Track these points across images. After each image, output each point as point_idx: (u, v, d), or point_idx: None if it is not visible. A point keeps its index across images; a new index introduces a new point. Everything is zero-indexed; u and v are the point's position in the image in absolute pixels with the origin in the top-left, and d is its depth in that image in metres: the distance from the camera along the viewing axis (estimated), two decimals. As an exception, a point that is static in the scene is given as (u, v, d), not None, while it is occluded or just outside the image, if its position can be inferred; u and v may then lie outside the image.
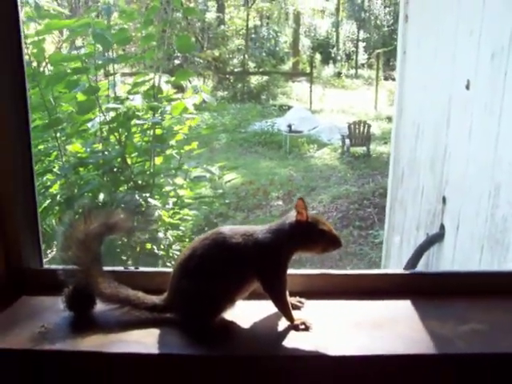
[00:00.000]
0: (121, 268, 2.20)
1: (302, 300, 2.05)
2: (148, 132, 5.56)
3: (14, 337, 1.82)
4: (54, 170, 5.42)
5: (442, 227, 5.76)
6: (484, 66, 4.71)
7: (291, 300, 1.96)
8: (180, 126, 5.92)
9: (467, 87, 5.04)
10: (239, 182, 14.85)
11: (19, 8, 2.03)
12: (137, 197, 5.12)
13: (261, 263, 1.87)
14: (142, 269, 2.18)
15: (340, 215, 13.51)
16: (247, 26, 32.97)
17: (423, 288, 2.15)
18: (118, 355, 1.76)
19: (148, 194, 5.35)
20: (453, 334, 1.87)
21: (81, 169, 5.37)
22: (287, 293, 1.91)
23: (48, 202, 5.32)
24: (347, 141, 18.83)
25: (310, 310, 2.01)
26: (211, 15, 31.15)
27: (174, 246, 5.70)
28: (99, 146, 5.51)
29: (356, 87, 32.54)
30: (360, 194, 14.54)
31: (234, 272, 1.85)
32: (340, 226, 12.71)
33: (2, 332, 1.85)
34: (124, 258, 5.27)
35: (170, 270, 1.97)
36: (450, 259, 5.49)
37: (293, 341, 1.82)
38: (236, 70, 30.86)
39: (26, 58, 2.11)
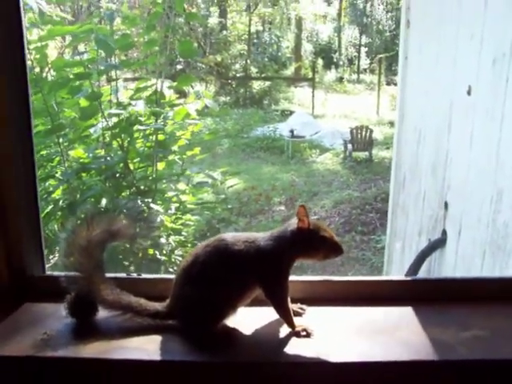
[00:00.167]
0: (123, 275, 2.20)
1: (304, 306, 2.05)
2: (150, 137, 5.57)
3: (16, 343, 1.82)
4: (57, 175, 5.43)
5: (444, 233, 5.76)
6: (485, 71, 4.71)
7: (293, 306, 1.96)
8: (182, 131, 5.93)
9: (468, 93, 5.04)
10: (241, 188, 14.85)
11: (22, 14, 2.04)
12: (139, 202, 5.13)
13: (263, 270, 1.87)
14: (144, 275, 2.18)
15: (342, 220, 13.51)
16: (249, 31, 33.00)
17: (424, 294, 2.15)
18: (119, 362, 1.76)
19: (150, 200, 5.36)
20: (454, 341, 1.87)
21: (83, 174, 5.38)
22: (289, 299, 1.92)
23: (50, 207, 5.33)
24: (349, 146, 18.83)
25: (311, 317, 2.01)
26: (213, 20, 31.19)
27: (176, 252, 5.71)
28: (101, 152, 5.52)
29: (358, 92, 32.58)
30: (362, 199, 14.54)
31: (236, 279, 1.85)
32: (342, 231, 12.71)
33: (5, 338, 1.85)
34: (126, 263, 5.28)
35: (173, 276, 1.97)
36: (451, 265, 5.49)
37: (294, 347, 1.82)
38: (238, 75, 30.91)
39: (28, 63, 2.11)
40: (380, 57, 31.91)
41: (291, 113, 25.02)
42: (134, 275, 2.18)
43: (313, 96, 27.59)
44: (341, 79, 35.50)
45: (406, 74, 7.41)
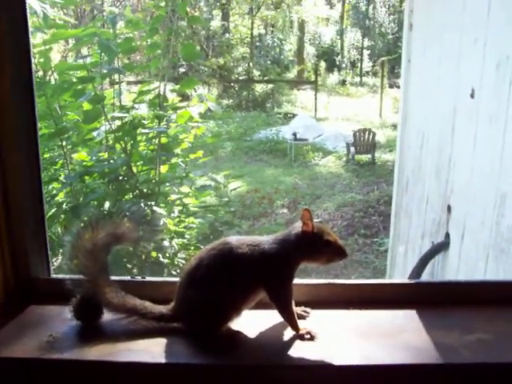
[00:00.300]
0: (128, 278, 2.20)
1: (308, 310, 2.05)
2: (153, 140, 5.58)
3: (22, 345, 1.83)
4: (60, 178, 5.44)
5: (447, 236, 5.76)
6: (489, 74, 4.71)
7: (296, 310, 1.97)
8: (185, 134, 5.94)
9: (472, 96, 5.04)
10: (244, 190, 14.87)
11: (28, 18, 2.05)
12: (143, 206, 5.13)
13: (267, 273, 1.88)
14: (148, 278, 2.19)
15: (345, 223, 13.51)
16: (252, 34, 32.99)
17: (428, 297, 2.15)
18: (125, 364, 1.77)
19: (153, 203, 5.36)
20: (458, 344, 1.87)
21: (86, 177, 5.39)
22: (293, 302, 1.92)
23: (53, 210, 5.33)
24: (352, 149, 18.83)
25: (315, 320, 2.01)
26: (216, 23, 31.21)
27: (179, 255, 5.71)
28: (105, 155, 5.53)
29: (361, 95, 32.55)
30: (365, 202, 14.53)
31: (240, 282, 1.86)
32: (345, 234, 12.71)
33: (11, 341, 1.86)
34: (129, 266, 5.29)
35: (177, 279, 1.98)
36: (455, 268, 5.48)
37: (298, 350, 1.82)
38: (241, 78, 30.92)
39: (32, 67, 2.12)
40: (383, 59, 31.89)
41: (294, 116, 25.00)
42: (139, 278, 2.19)
43: (315, 99, 27.59)
44: (343, 82, 35.48)
45: (408, 77, 7.42)
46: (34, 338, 1.88)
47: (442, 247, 5.85)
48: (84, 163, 5.44)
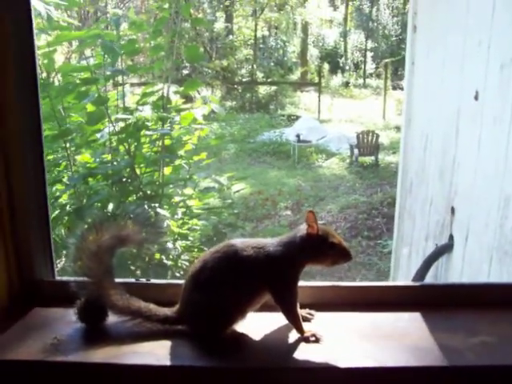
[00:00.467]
0: (132, 280, 2.20)
1: (312, 312, 2.05)
2: (157, 142, 5.58)
3: (26, 348, 1.83)
4: (64, 180, 5.44)
5: (451, 238, 5.75)
6: (493, 76, 4.71)
7: (301, 312, 1.97)
8: (189, 136, 5.94)
9: (476, 98, 5.04)
10: (248, 192, 14.86)
11: (33, 20, 2.05)
12: (147, 208, 5.14)
13: (272, 276, 1.88)
14: (153, 281, 2.18)
15: (349, 225, 13.50)
16: (255, 36, 33.01)
17: (432, 300, 2.15)
18: (129, 367, 1.77)
19: (157, 205, 5.36)
20: (462, 346, 1.87)
21: (90, 179, 5.39)
22: (298, 305, 1.92)
23: (57, 212, 5.34)
24: (355, 150, 18.81)
25: (320, 322, 2.01)
26: (219, 25, 31.22)
27: (182, 256, 5.71)
28: (108, 157, 5.54)
29: (364, 97, 32.56)
30: (368, 204, 14.52)
31: (245, 284, 1.86)
32: (349, 236, 12.70)
33: (15, 343, 1.86)
34: (133, 268, 5.29)
35: (182, 281, 1.98)
36: (458, 270, 5.48)
37: (303, 353, 1.82)
38: (244, 79, 30.93)
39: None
40: (386, 61, 31.90)
41: (297, 117, 25.00)
42: (143, 280, 2.19)
43: (319, 101, 27.58)
44: (347, 84, 35.49)
45: (412, 79, 7.41)
46: (39, 341, 1.88)
47: (445, 249, 5.84)
48: (87, 165, 5.45)
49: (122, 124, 5.41)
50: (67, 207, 5.47)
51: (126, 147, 5.48)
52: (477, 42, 5.01)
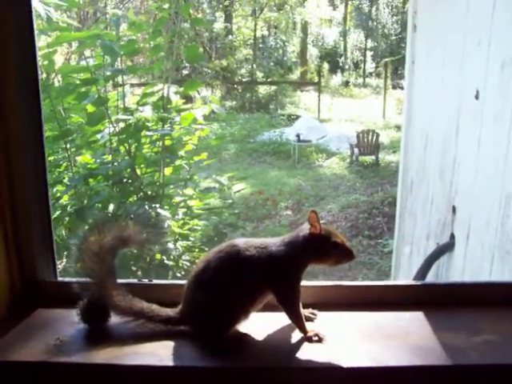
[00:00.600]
0: (135, 280, 2.20)
1: (315, 312, 2.05)
2: (157, 143, 5.58)
3: (29, 349, 1.83)
4: (64, 181, 5.44)
5: (452, 237, 5.74)
6: (493, 75, 4.70)
7: (304, 312, 1.96)
8: (189, 136, 5.94)
9: (476, 97, 5.03)
10: (248, 192, 14.86)
11: (34, 22, 2.05)
12: (147, 208, 5.13)
13: (274, 275, 1.88)
14: (155, 281, 2.18)
15: (349, 224, 13.49)
16: (255, 35, 33.01)
17: (434, 299, 2.15)
18: (132, 367, 1.77)
19: (158, 205, 5.36)
20: (465, 345, 1.87)
21: (91, 180, 5.39)
22: (300, 305, 1.92)
23: (58, 212, 5.33)
24: (356, 150, 18.81)
25: (322, 322, 2.01)
26: (219, 25, 31.19)
27: (183, 257, 5.71)
28: (109, 157, 5.53)
29: (364, 96, 32.57)
30: (369, 203, 14.51)
31: (247, 284, 1.86)
32: (349, 236, 12.69)
33: (18, 344, 1.86)
34: (134, 269, 5.28)
35: (184, 282, 1.98)
36: (460, 269, 5.47)
37: (306, 352, 1.82)
38: (244, 79, 30.92)
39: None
40: (386, 61, 31.87)
41: (297, 117, 24.99)
42: (146, 281, 2.19)
43: (319, 100, 27.60)
44: (347, 83, 35.51)
45: (412, 79, 7.41)
46: (41, 342, 1.88)
47: (446, 248, 5.84)
48: (88, 166, 5.45)
49: (122, 125, 5.41)
50: (68, 208, 5.47)
51: (127, 148, 5.48)
52: (477, 40, 5.00)
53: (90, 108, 5.24)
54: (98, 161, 5.49)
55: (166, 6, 5.76)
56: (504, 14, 4.56)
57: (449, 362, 1.78)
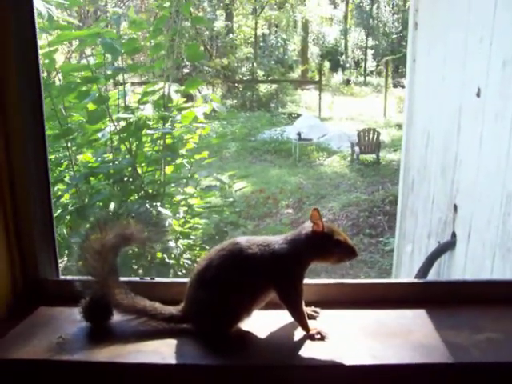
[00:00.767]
0: (137, 279, 2.20)
1: (318, 310, 2.05)
2: (159, 141, 5.58)
3: (31, 347, 1.83)
4: (65, 179, 5.43)
5: (454, 235, 5.75)
6: (495, 73, 4.70)
7: (306, 310, 1.96)
8: (190, 135, 5.93)
9: (478, 95, 5.03)
10: (249, 191, 14.86)
11: (36, 20, 2.05)
12: (148, 207, 5.13)
13: (277, 273, 1.88)
14: (158, 279, 2.18)
15: (350, 223, 13.50)
16: (255, 34, 32.99)
17: (437, 297, 2.15)
18: (135, 365, 1.77)
19: (159, 204, 5.36)
20: (468, 343, 1.87)
21: (91, 178, 5.38)
22: (303, 303, 1.92)
23: (59, 211, 5.33)
24: (357, 148, 18.80)
25: (325, 320, 2.01)
26: (220, 24, 31.19)
27: (184, 255, 5.70)
28: (110, 156, 5.53)
29: (365, 94, 32.54)
30: (370, 202, 14.51)
31: (250, 282, 1.86)
32: (350, 234, 12.68)
33: (20, 342, 1.86)
34: (135, 267, 5.28)
35: (187, 280, 1.98)
36: (461, 267, 5.48)
37: (309, 350, 1.82)
38: (245, 78, 30.90)
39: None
40: (387, 59, 31.87)
41: (298, 116, 24.99)
42: (148, 279, 2.19)
43: (320, 99, 27.58)
44: (347, 82, 35.49)
45: (414, 77, 7.41)
46: (44, 340, 1.88)
47: (448, 246, 5.84)
48: (89, 164, 5.44)
49: (123, 123, 5.40)
50: (69, 207, 5.46)
51: (128, 146, 5.47)
52: (479, 38, 5.00)
53: (91, 106, 5.23)
54: (99, 159, 5.48)
55: (167, 4, 5.74)
56: (506, 12, 4.57)
57: (451, 359, 1.78)
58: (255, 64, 31.65)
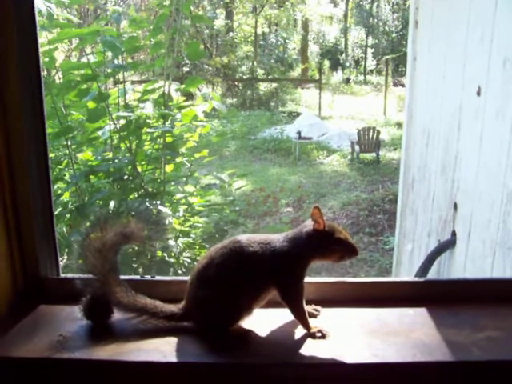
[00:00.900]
0: (137, 277, 2.20)
1: (318, 308, 2.05)
2: (158, 140, 5.57)
3: (32, 345, 1.83)
4: (65, 177, 5.43)
5: (454, 234, 5.74)
6: (495, 72, 4.70)
7: (307, 308, 1.96)
8: (190, 133, 5.93)
9: (478, 93, 5.03)
10: (249, 189, 14.85)
11: (36, 19, 2.04)
12: (148, 205, 5.12)
13: (278, 272, 1.88)
14: (158, 278, 2.18)
15: (350, 222, 13.48)
16: (256, 32, 33.02)
17: (437, 295, 2.15)
18: (135, 363, 1.77)
19: (159, 202, 5.35)
20: (469, 341, 1.87)
21: (91, 177, 5.38)
22: (304, 301, 1.92)
23: (59, 209, 5.33)
24: (356, 147, 18.78)
25: (326, 318, 2.01)
26: (220, 22, 31.19)
27: (184, 254, 5.70)
28: (110, 154, 5.52)
29: (365, 93, 32.55)
30: (370, 201, 14.49)
31: (251, 281, 1.86)
32: (350, 233, 12.55)
33: (21, 340, 1.86)
34: (135, 266, 5.28)
35: (187, 278, 1.98)
36: (461, 266, 5.47)
37: (309, 348, 1.82)
38: (245, 76, 30.87)
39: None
40: (387, 58, 31.88)
41: (298, 114, 24.99)
42: (148, 277, 2.18)
43: (320, 97, 27.55)
44: (347, 80, 35.50)
45: (414, 75, 7.39)
46: (44, 338, 1.88)
47: (448, 245, 5.83)
48: (89, 163, 5.44)
49: (123, 122, 5.39)
50: (69, 205, 5.46)
51: (128, 145, 5.46)
52: (479, 37, 4.99)
53: (91, 105, 5.22)
54: (99, 158, 5.48)
55: (167, 2, 5.74)
56: (507, 10, 4.56)
57: (452, 358, 1.78)
58: (255, 63, 31.64)
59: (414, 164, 7.45)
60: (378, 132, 19.01)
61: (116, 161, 5.43)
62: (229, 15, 32.30)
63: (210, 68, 28.22)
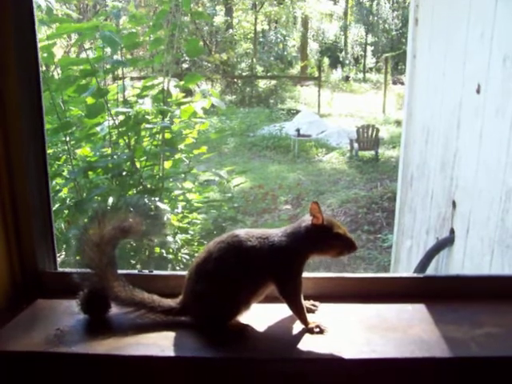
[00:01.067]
0: (135, 271, 2.20)
1: (316, 303, 2.05)
2: (157, 136, 5.57)
3: (29, 339, 1.83)
4: (64, 173, 5.43)
5: (452, 231, 5.74)
6: (495, 69, 4.69)
7: (305, 303, 1.96)
8: (189, 130, 5.93)
9: (478, 91, 5.02)
10: (248, 186, 14.85)
11: (35, 14, 2.04)
12: (147, 201, 5.12)
13: (276, 267, 1.87)
14: (156, 272, 2.18)
15: (349, 219, 13.48)
16: (255, 29, 33.00)
17: (436, 291, 2.15)
18: (133, 358, 1.76)
19: (157, 198, 5.35)
20: (467, 337, 1.87)
21: (90, 173, 5.37)
22: (302, 296, 1.91)
23: (57, 205, 5.32)
24: (355, 145, 18.78)
25: (324, 314, 2.01)
26: (219, 19, 31.17)
27: (182, 250, 5.70)
28: (108, 150, 5.52)
29: (364, 91, 32.57)
30: (368, 198, 14.50)
31: (249, 275, 1.85)
32: (349, 230, 12.58)
33: (18, 334, 1.86)
34: (133, 262, 5.28)
35: (185, 273, 1.98)
36: (459, 264, 5.47)
37: (307, 344, 1.82)
38: (244, 73, 30.87)
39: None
40: (386, 56, 31.90)
41: (297, 112, 25.00)
42: (146, 272, 2.18)
43: (319, 95, 27.56)
44: (347, 78, 35.50)
45: (414, 73, 7.39)
46: (42, 332, 1.88)
47: (446, 243, 5.83)
48: (88, 158, 5.43)
49: (122, 117, 5.39)
50: (67, 201, 5.46)
51: (126, 141, 5.46)
52: (479, 34, 4.99)
53: (90, 100, 5.21)
54: (98, 154, 5.48)
55: (167, -2, 5.73)
56: (507, 8, 4.55)
57: (450, 354, 1.78)
58: (254, 60, 31.66)
59: (413, 162, 7.45)
60: (377, 130, 19.01)
61: (115, 157, 5.43)
62: (228, 12, 32.30)
63: (210, 65, 28.24)
